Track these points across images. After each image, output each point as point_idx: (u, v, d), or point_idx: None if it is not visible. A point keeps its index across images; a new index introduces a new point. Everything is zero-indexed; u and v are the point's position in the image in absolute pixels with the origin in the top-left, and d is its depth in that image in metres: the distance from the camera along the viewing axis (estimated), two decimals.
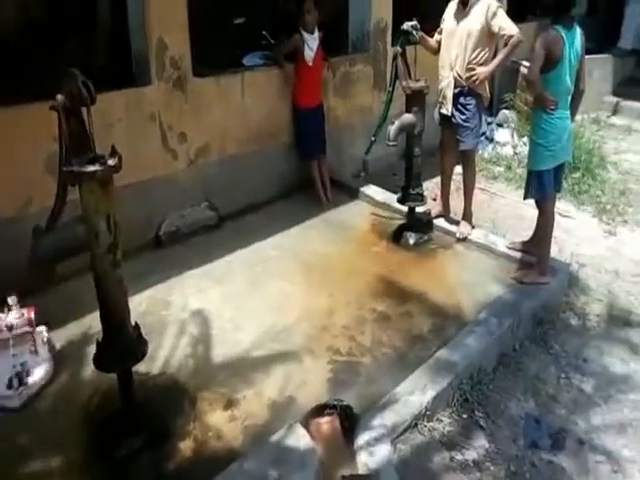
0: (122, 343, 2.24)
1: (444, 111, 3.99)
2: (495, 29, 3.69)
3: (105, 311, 2.20)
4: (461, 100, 3.90)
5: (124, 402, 2.35)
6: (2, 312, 2.66)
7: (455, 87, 3.87)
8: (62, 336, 3.01)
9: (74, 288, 3.09)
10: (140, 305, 3.16)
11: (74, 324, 3.05)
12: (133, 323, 2.30)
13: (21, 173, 3.23)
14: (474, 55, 3.77)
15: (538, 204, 3.48)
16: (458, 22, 3.80)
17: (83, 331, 3.00)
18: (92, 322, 2.79)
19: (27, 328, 2.68)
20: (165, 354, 2.91)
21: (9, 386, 2.53)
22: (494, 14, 3.67)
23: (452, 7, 3.91)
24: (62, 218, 2.21)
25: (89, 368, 2.44)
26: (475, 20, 3.72)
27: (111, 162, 2.01)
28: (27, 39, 3.78)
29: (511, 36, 3.66)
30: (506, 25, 3.68)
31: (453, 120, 3.95)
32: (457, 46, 3.80)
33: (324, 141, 4.78)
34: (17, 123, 3.18)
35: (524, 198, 3.55)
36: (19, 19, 3.83)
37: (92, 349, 2.31)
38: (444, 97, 3.96)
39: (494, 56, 3.84)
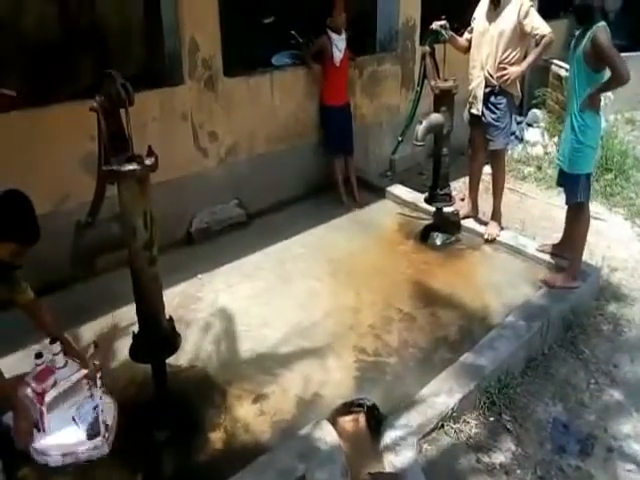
0: (157, 335, 2.31)
1: (474, 111, 3.97)
2: (528, 29, 3.66)
3: (141, 304, 2.27)
4: (492, 99, 3.87)
5: (158, 393, 2.42)
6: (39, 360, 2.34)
7: (486, 86, 3.85)
8: (99, 326, 3.12)
9: (111, 281, 3.18)
10: (173, 300, 3.22)
11: (111, 315, 3.15)
12: (167, 317, 2.36)
13: (58, 171, 3.33)
14: (506, 54, 3.74)
15: (579, 206, 3.39)
16: (490, 21, 3.77)
17: (119, 322, 3.10)
18: (128, 314, 2.87)
19: (81, 372, 2.39)
20: (196, 348, 2.98)
21: (91, 435, 2.29)
22: (527, 13, 3.64)
23: (483, 6, 3.88)
24: (99, 215, 2.29)
25: (124, 358, 2.51)
26: (507, 19, 3.68)
27: (148, 162, 2.07)
28: (63, 41, 3.89)
29: (543, 36, 3.63)
30: (538, 24, 3.65)
31: (483, 119, 3.93)
32: (488, 45, 3.78)
33: (351, 141, 4.78)
34: (55, 122, 3.28)
35: (568, 203, 3.44)
36: (56, 21, 3.94)
37: (128, 340, 2.38)
38: (474, 97, 3.94)
39: (525, 55, 3.81)
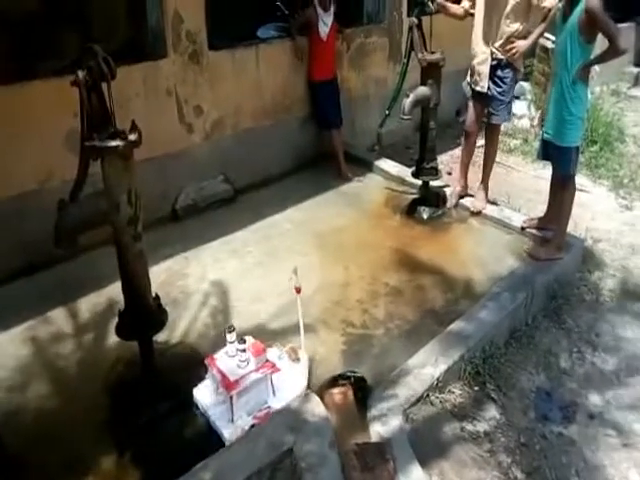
0: (143, 313, 2.32)
1: (479, 88, 3.87)
2: (535, 2, 3.61)
3: (126, 282, 2.27)
4: (499, 73, 3.81)
5: (145, 370, 2.43)
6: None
7: (492, 60, 3.79)
8: (85, 305, 3.11)
9: (96, 258, 3.17)
10: (159, 277, 3.21)
11: (97, 293, 3.14)
12: (153, 294, 2.37)
13: (41, 148, 3.27)
14: (514, 28, 3.69)
15: (566, 179, 3.41)
16: None
17: (105, 300, 3.09)
18: (113, 292, 2.87)
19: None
20: (184, 324, 2.99)
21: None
22: None
23: None
24: (83, 191, 2.26)
25: (112, 336, 2.52)
26: None
27: (132, 137, 2.05)
28: (42, 14, 3.77)
29: (550, 9, 3.58)
30: None
31: (489, 93, 3.86)
32: (496, 20, 3.70)
33: (340, 114, 4.75)
34: (36, 98, 3.20)
35: (560, 175, 3.44)
36: None
37: (114, 318, 2.38)
38: (479, 74, 3.85)
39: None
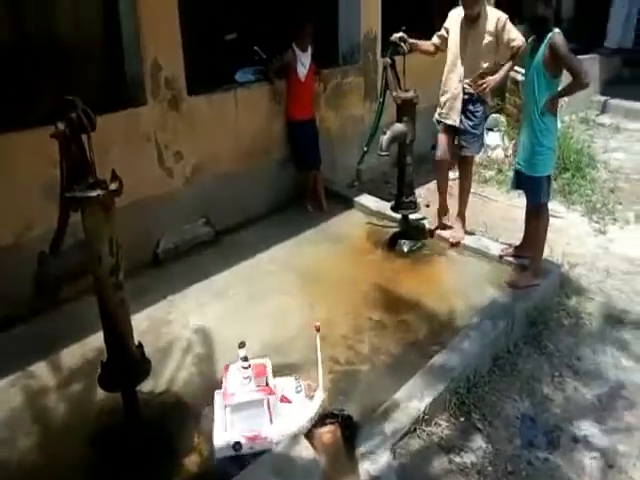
0: (125, 363, 2.31)
1: (450, 122, 4.00)
2: (505, 41, 3.79)
3: (108, 332, 2.27)
4: (470, 107, 3.95)
5: (129, 420, 2.41)
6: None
7: (464, 95, 3.93)
8: (68, 356, 3.08)
9: (78, 309, 3.15)
10: (141, 324, 3.20)
11: (79, 344, 3.11)
12: (136, 342, 2.37)
13: (20, 199, 3.27)
14: (485, 65, 3.85)
15: (539, 207, 3.53)
16: (467, 35, 3.85)
17: (88, 351, 3.07)
18: (96, 342, 2.86)
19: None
20: (169, 372, 2.97)
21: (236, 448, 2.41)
22: (504, 26, 3.77)
23: (456, 19, 3.92)
24: (64, 241, 2.28)
25: (96, 388, 2.50)
26: (486, 33, 3.79)
27: (112, 187, 2.08)
28: (19, 64, 3.83)
29: (520, 47, 3.75)
30: (515, 36, 3.77)
31: (461, 126, 3.98)
32: (467, 60, 3.86)
33: (319, 155, 4.85)
34: (13, 149, 3.22)
35: (532, 204, 3.57)
36: (9, 43, 3.87)
37: (98, 369, 2.37)
38: (450, 108, 3.97)
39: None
